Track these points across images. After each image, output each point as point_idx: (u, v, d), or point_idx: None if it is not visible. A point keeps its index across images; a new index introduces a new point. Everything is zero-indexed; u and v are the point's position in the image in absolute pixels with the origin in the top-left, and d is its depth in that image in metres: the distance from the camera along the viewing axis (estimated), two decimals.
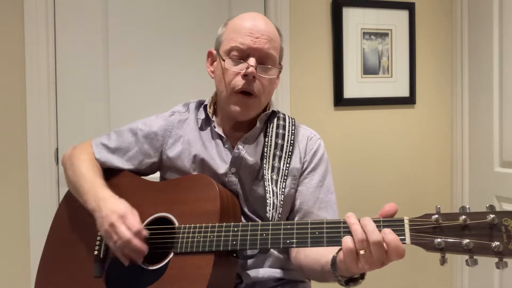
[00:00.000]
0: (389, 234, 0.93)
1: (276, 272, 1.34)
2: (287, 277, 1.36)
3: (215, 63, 1.36)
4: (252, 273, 1.31)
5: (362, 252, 0.94)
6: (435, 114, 2.86)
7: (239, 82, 1.27)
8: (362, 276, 1.04)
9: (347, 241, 0.96)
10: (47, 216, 2.14)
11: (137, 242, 1.15)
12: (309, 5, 2.59)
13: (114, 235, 1.17)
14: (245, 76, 1.26)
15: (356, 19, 2.65)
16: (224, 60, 1.28)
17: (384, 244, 0.93)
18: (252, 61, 1.26)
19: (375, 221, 0.96)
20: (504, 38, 2.52)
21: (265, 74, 1.29)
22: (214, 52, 1.37)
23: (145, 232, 1.18)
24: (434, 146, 2.86)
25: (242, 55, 1.27)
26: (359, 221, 0.97)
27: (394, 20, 2.73)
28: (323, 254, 1.13)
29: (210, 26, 2.40)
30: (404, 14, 2.75)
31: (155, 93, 2.37)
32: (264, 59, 1.29)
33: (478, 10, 2.69)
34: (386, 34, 2.72)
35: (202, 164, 1.34)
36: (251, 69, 1.25)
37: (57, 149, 2.25)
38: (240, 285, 1.29)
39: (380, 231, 0.94)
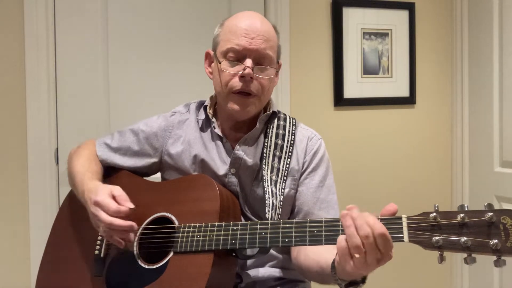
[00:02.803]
0: (374, 224, 0.91)
1: (276, 272, 1.34)
2: (287, 277, 1.36)
3: (213, 64, 1.36)
4: (252, 272, 1.31)
5: (357, 256, 0.92)
6: (435, 114, 2.86)
7: (236, 83, 1.27)
8: (363, 280, 1.03)
9: (341, 240, 0.95)
10: (47, 216, 2.15)
11: (118, 222, 1.15)
12: (309, 5, 2.59)
13: (98, 223, 1.18)
14: (242, 77, 1.26)
15: (356, 19, 2.65)
16: (220, 62, 1.28)
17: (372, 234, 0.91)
18: (248, 62, 1.26)
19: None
20: (504, 38, 2.52)
21: (262, 75, 1.29)
22: (212, 53, 1.37)
23: (125, 209, 1.16)
24: (434, 146, 2.86)
25: (239, 56, 1.27)
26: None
27: (394, 20, 2.73)
28: (322, 256, 1.13)
29: (210, 26, 2.36)
30: (404, 14, 2.75)
31: (155, 93, 2.37)
32: (261, 60, 1.28)
33: (478, 10, 2.69)
34: (386, 34, 2.72)
35: (202, 164, 1.34)
36: (247, 71, 1.25)
37: (57, 149, 2.25)
38: (240, 285, 1.29)
39: None
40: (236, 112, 1.30)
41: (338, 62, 2.62)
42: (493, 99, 2.59)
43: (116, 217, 1.15)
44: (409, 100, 2.79)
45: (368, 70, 2.69)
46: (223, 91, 1.30)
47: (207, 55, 1.40)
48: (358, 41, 2.66)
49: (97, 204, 1.17)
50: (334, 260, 1.03)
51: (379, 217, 0.97)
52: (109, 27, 2.31)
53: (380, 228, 0.91)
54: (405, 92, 2.78)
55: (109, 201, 1.17)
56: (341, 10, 2.61)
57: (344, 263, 0.95)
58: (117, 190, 1.21)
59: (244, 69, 1.25)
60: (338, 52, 2.62)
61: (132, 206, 1.17)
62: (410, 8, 2.75)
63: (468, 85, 2.78)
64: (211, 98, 1.43)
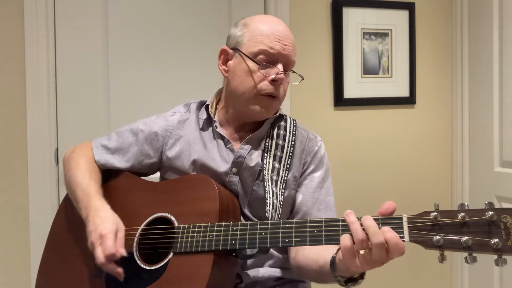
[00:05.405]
0: (388, 232, 0.92)
1: (276, 272, 1.34)
2: (287, 277, 1.36)
3: (230, 62, 1.34)
4: (252, 272, 1.31)
5: (362, 252, 0.94)
6: (435, 114, 2.86)
7: (266, 86, 1.28)
8: (361, 276, 1.04)
9: (344, 239, 0.95)
10: (47, 216, 2.15)
11: (109, 267, 1.15)
12: (309, 5, 2.59)
13: (94, 253, 1.17)
14: (273, 81, 1.28)
15: (356, 19, 2.65)
16: (256, 63, 1.28)
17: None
18: (281, 67, 1.28)
19: (373, 219, 0.96)
20: (504, 38, 2.52)
21: (287, 79, 1.33)
22: (230, 51, 1.35)
23: (119, 254, 1.15)
24: (434, 146, 2.86)
25: (270, 59, 1.28)
26: (359, 219, 0.96)
27: (394, 20, 2.73)
28: (321, 255, 1.13)
29: (210, 26, 2.41)
30: (404, 14, 2.75)
31: (155, 93, 2.37)
32: (288, 65, 1.32)
33: (478, 10, 2.69)
34: (386, 34, 2.72)
35: (202, 167, 1.33)
36: (282, 75, 1.29)
37: (57, 149, 2.25)
38: (240, 285, 1.29)
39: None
40: (259, 114, 1.31)
41: (338, 62, 2.62)
42: (493, 99, 2.59)
43: (109, 259, 1.15)
44: (409, 100, 2.79)
45: (368, 70, 2.69)
46: (248, 91, 1.29)
47: (223, 52, 1.37)
48: (358, 41, 2.66)
49: (101, 237, 1.16)
50: (332, 257, 1.04)
51: (380, 216, 0.97)
52: (109, 27, 2.32)
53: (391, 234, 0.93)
54: (405, 92, 2.77)
55: (110, 243, 1.15)
56: (341, 10, 2.61)
57: (350, 262, 0.95)
58: (121, 231, 1.20)
59: (277, 73, 1.28)
60: (338, 52, 2.62)
61: (125, 254, 1.16)
62: (410, 8, 2.75)
63: (468, 85, 2.78)
64: (213, 97, 1.42)
